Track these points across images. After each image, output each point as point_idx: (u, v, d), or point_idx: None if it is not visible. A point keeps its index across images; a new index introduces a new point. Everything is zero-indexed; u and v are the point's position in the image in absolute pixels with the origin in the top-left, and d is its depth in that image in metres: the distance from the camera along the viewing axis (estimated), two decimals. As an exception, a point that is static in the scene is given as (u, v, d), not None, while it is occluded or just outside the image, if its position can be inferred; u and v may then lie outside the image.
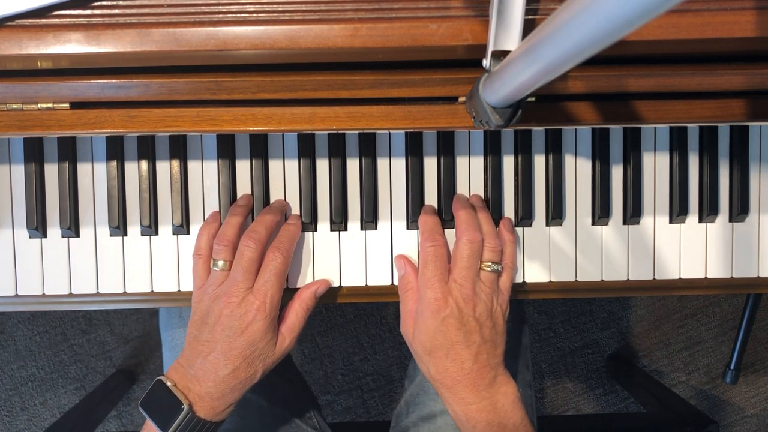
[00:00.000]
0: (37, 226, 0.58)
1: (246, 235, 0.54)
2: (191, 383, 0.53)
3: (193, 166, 0.60)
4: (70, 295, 0.60)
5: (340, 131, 0.57)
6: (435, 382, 0.55)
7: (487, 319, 0.54)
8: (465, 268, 0.54)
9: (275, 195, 0.60)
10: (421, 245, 0.57)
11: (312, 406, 0.76)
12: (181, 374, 0.54)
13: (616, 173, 0.61)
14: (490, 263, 0.55)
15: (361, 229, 0.60)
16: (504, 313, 0.56)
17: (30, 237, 0.59)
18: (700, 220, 0.62)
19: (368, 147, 0.60)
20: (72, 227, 0.59)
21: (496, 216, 0.60)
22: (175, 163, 0.59)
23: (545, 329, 1.39)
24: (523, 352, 0.74)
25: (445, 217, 0.60)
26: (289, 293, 0.58)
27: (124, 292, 0.60)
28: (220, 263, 0.54)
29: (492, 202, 0.60)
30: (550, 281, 0.61)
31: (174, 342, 0.72)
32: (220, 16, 0.45)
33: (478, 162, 0.61)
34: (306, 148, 0.59)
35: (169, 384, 0.53)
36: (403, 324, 0.57)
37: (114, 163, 0.59)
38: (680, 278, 0.62)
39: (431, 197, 0.60)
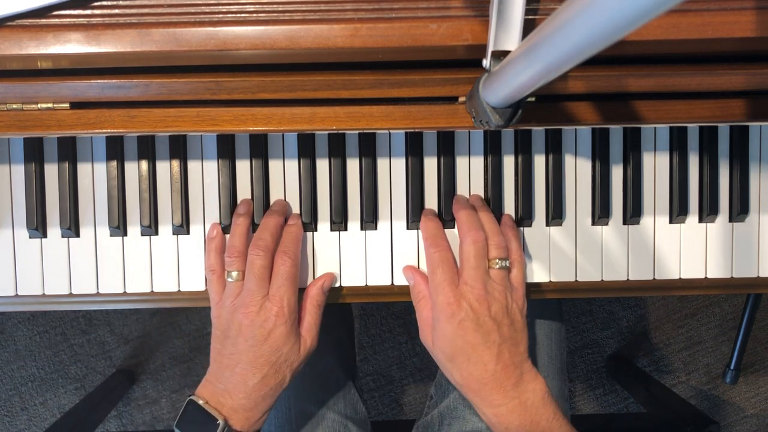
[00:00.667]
0: (37, 226, 0.58)
1: (253, 244, 0.55)
2: (223, 398, 0.53)
3: (193, 166, 0.60)
4: (70, 295, 0.59)
5: (340, 131, 0.57)
6: (461, 388, 0.55)
7: (504, 317, 0.53)
8: (473, 269, 0.53)
9: (275, 195, 0.60)
10: (426, 252, 0.57)
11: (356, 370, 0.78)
12: (211, 391, 0.54)
13: (616, 173, 0.61)
14: (497, 260, 0.55)
15: (361, 229, 0.60)
16: (521, 309, 0.55)
17: (30, 237, 0.59)
18: (700, 220, 0.62)
19: (368, 147, 0.60)
20: (72, 227, 0.59)
21: (497, 216, 0.60)
22: (175, 163, 0.59)
23: (545, 329, 1.38)
24: (562, 369, 0.73)
25: (446, 217, 0.60)
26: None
27: (124, 292, 0.60)
28: (234, 274, 0.55)
29: (492, 202, 0.60)
30: (550, 281, 0.61)
31: None
32: (220, 16, 0.45)
33: (478, 162, 0.61)
34: (306, 148, 0.59)
35: (201, 402, 0.53)
36: (422, 333, 0.57)
37: (114, 163, 0.59)
38: (680, 278, 0.62)
39: (431, 197, 0.60)
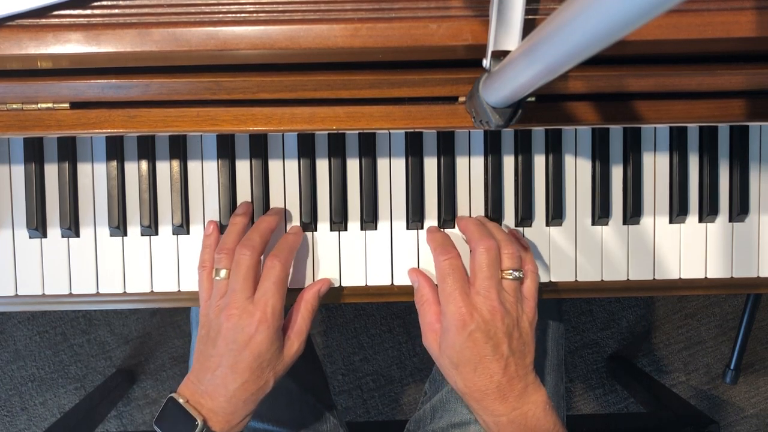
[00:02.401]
0: (37, 226, 0.58)
1: (240, 243, 0.54)
2: (203, 399, 0.53)
3: (193, 166, 0.60)
4: (70, 295, 0.59)
5: (340, 131, 0.57)
6: (464, 395, 0.54)
7: (514, 329, 0.52)
8: (487, 279, 0.52)
9: (275, 195, 0.60)
10: (435, 260, 0.56)
11: (331, 398, 0.76)
12: (191, 390, 0.53)
13: (616, 173, 0.61)
14: (510, 271, 0.53)
15: (361, 229, 0.60)
16: (531, 322, 0.54)
17: (30, 237, 0.59)
18: (700, 220, 0.62)
19: (368, 147, 0.60)
20: (72, 227, 0.59)
21: (496, 217, 0.60)
22: (175, 163, 0.59)
23: (545, 329, 1.38)
24: (559, 365, 0.73)
25: (445, 217, 0.60)
26: (290, 293, 0.58)
27: (124, 292, 0.60)
28: (222, 272, 0.54)
29: (492, 202, 0.60)
30: (550, 281, 0.61)
31: None
32: (220, 16, 0.45)
33: (478, 162, 0.61)
34: (306, 148, 0.59)
35: (181, 401, 0.52)
36: (425, 338, 0.56)
37: (114, 163, 0.59)
38: (680, 278, 0.62)
39: (431, 197, 0.60)
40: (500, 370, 0.51)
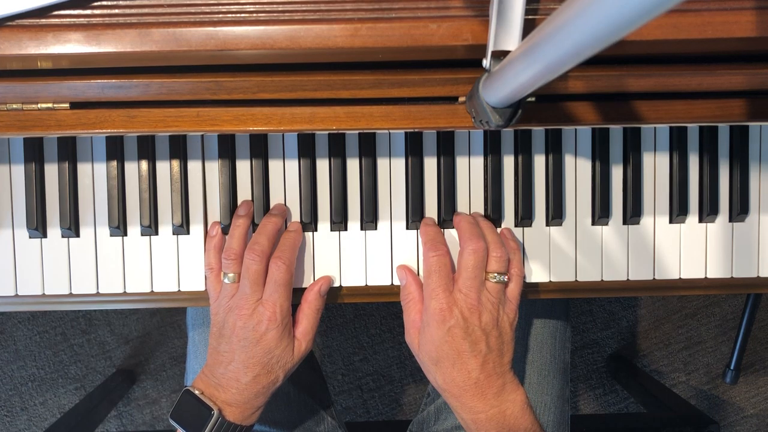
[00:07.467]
0: (37, 226, 0.58)
1: (249, 248, 0.55)
2: (217, 391, 0.55)
3: (193, 166, 0.60)
4: (70, 295, 0.59)
5: (340, 131, 0.57)
6: (443, 391, 0.55)
7: (493, 328, 0.54)
8: (470, 278, 0.54)
9: (275, 195, 0.60)
10: (424, 255, 0.57)
11: (329, 398, 0.77)
12: (206, 383, 0.56)
13: (616, 173, 0.61)
14: (495, 274, 0.55)
15: (361, 229, 0.60)
16: (511, 322, 0.55)
17: (30, 237, 0.59)
18: (700, 220, 0.62)
19: (368, 147, 0.60)
20: (72, 227, 0.59)
21: (496, 217, 0.60)
22: (175, 163, 0.59)
23: (545, 329, 1.38)
24: (565, 369, 0.73)
25: (445, 217, 0.60)
26: (295, 293, 0.58)
27: (124, 292, 0.60)
28: (231, 276, 0.56)
29: (492, 202, 0.60)
30: (550, 281, 0.61)
31: (195, 342, 0.73)
32: (220, 16, 0.45)
33: (478, 162, 0.61)
34: (306, 148, 0.59)
35: (196, 392, 0.55)
36: (408, 334, 0.57)
37: (114, 163, 0.59)
38: (680, 278, 0.62)
39: (431, 197, 0.60)
40: (478, 366, 0.53)
